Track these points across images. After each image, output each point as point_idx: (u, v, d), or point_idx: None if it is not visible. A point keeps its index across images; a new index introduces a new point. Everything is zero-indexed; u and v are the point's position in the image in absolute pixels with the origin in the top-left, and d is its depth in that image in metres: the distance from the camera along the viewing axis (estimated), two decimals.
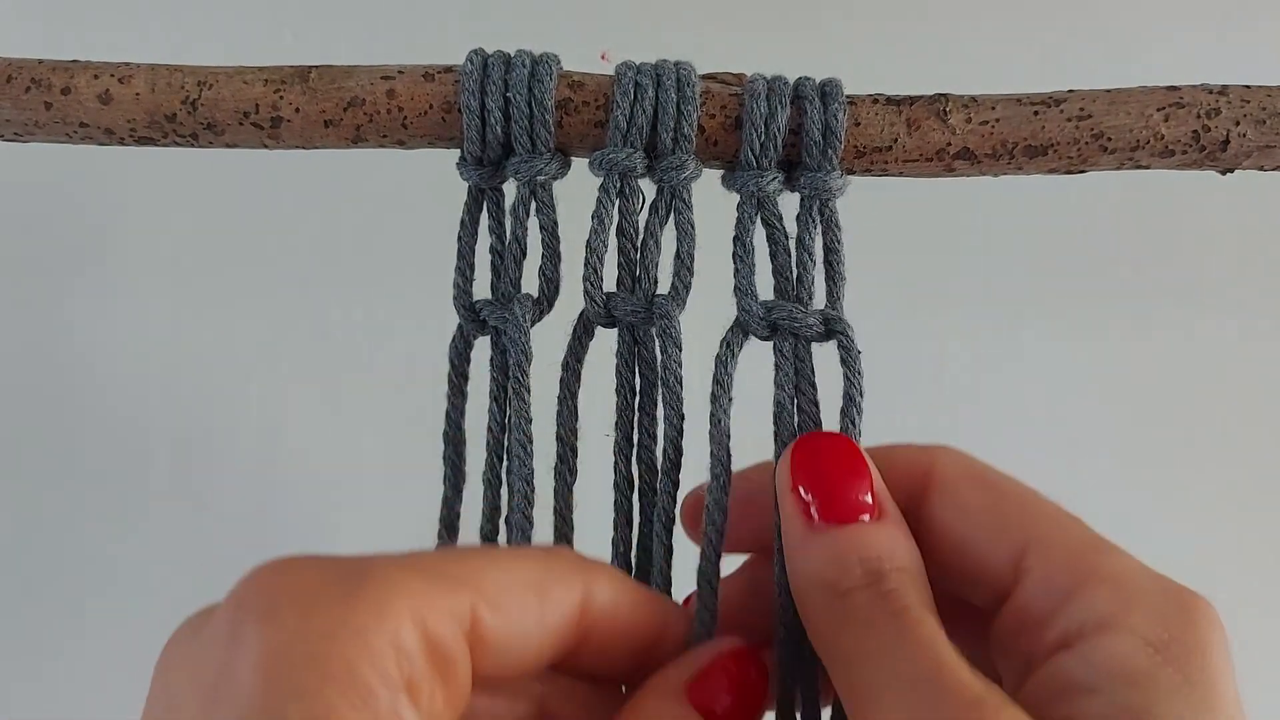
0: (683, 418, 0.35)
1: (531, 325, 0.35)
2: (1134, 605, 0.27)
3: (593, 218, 0.36)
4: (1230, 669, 0.26)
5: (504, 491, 0.36)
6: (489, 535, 0.36)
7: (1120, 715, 0.25)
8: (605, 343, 0.37)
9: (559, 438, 0.35)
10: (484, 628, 0.25)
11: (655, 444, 0.36)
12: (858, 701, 0.26)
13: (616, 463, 0.35)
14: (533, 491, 0.34)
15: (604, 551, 0.34)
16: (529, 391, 0.34)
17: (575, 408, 0.35)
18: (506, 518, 0.37)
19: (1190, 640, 0.26)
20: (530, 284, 0.37)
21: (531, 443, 0.34)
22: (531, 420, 0.34)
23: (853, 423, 0.34)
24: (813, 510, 0.29)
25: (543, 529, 0.34)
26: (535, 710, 0.29)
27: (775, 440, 0.36)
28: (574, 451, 0.35)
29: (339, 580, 0.23)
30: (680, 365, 0.35)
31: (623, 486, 0.35)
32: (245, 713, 0.21)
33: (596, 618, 0.28)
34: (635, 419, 0.36)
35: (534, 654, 0.27)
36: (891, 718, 0.25)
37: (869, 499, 0.30)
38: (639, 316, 0.35)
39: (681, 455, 0.35)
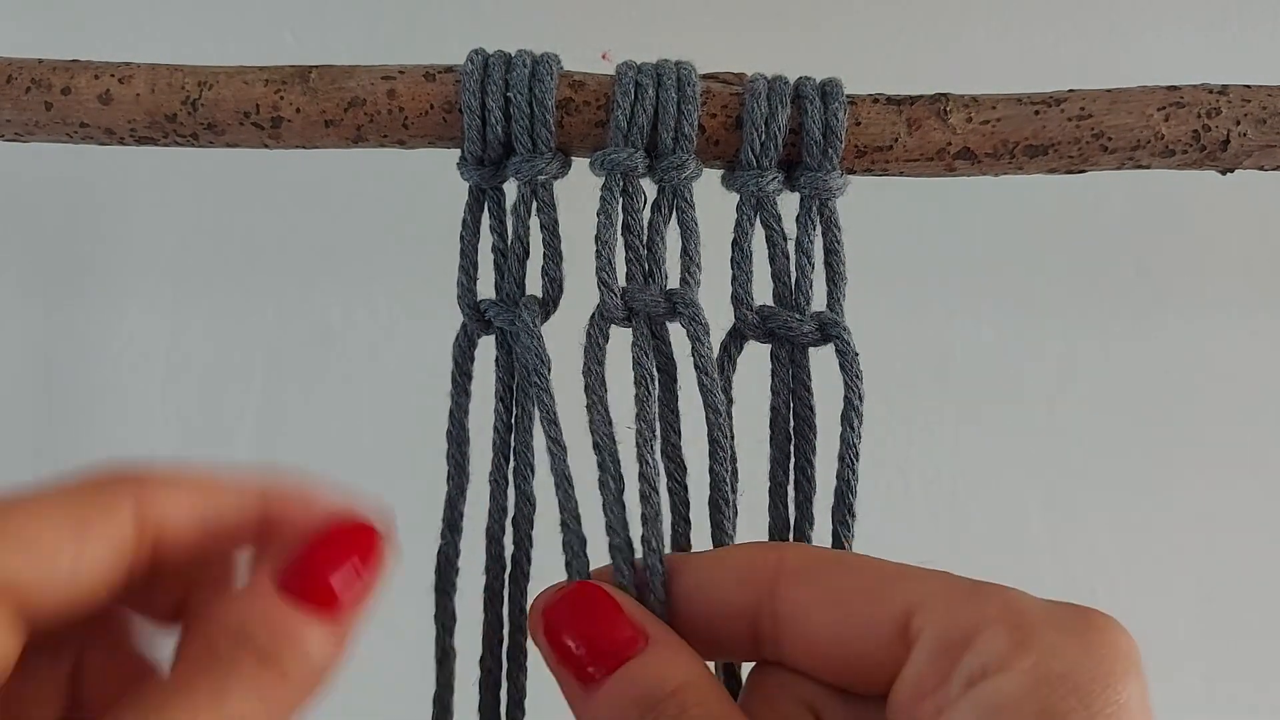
0: (724, 402, 0.34)
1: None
2: (1028, 640, 0.25)
3: (598, 214, 0.35)
4: (1140, 690, 0.25)
5: (510, 492, 0.36)
6: (496, 536, 0.36)
7: None
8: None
9: (596, 445, 0.33)
10: (6, 571, 0.24)
11: (679, 438, 0.35)
12: None
13: (643, 454, 0.34)
14: (572, 490, 0.33)
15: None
16: (551, 396, 0.33)
17: (607, 412, 0.34)
18: (514, 518, 0.36)
19: (1091, 666, 0.25)
20: (532, 283, 0.37)
21: (564, 448, 0.33)
22: (558, 423, 0.33)
23: (851, 427, 0.34)
24: (588, 669, 0.28)
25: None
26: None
27: (771, 444, 0.36)
28: (615, 459, 0.33)
29: None
30: (711, 350, 0.34)
31: (650, 479, 0.34)
32: None
33: (173, 540, 0.26)
34: (658, 413, 0.35)
35: (93, 581, 0.25)
36: None
37: (628, 631, 0.29)
38: (659, 308, 0.35)
39: (729, 439, 0.34)
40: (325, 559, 0.27)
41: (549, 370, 0.34)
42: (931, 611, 0.27)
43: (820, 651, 0.29)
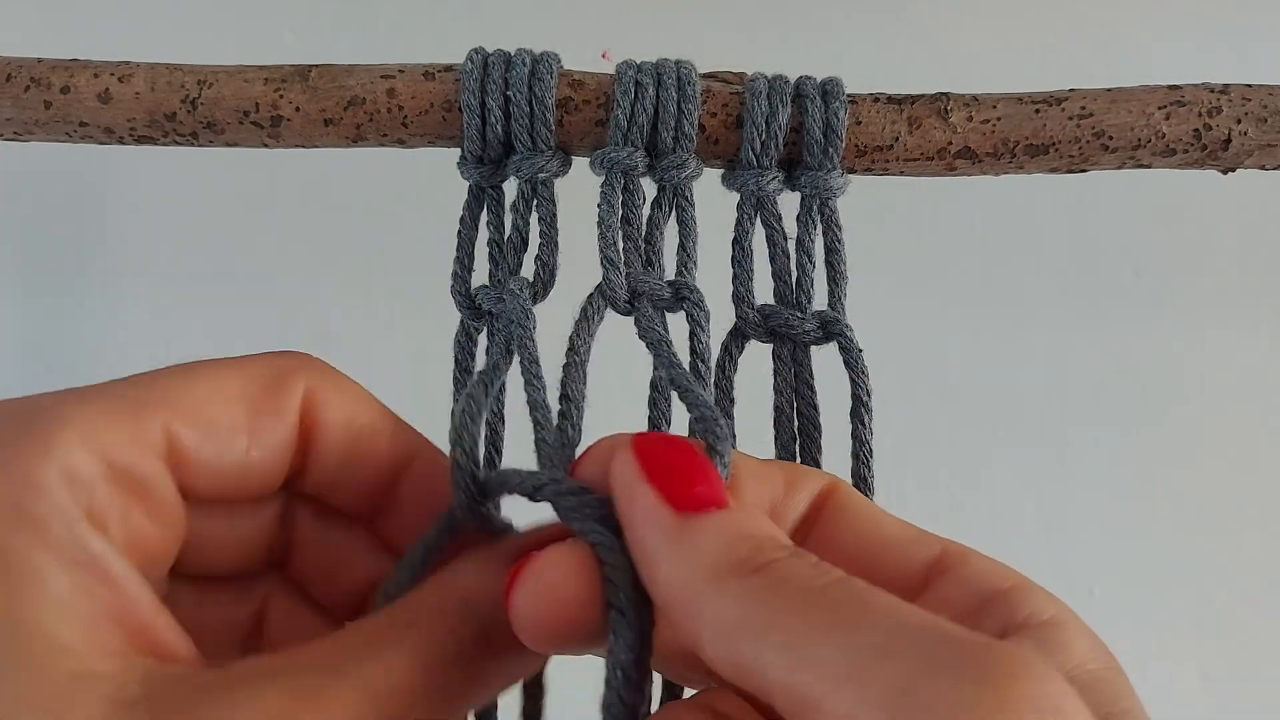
0: (716, 393, 0.34)
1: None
2: (1075, 625, 0.25)
3: (599, 207, 0.35)
4: None
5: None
6: None
7: None
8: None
9: (564, 396, 0.31)
10: (184, 447, 0.24)
11: (669, 428, 0.35)
12: (821, 682, 0.20)
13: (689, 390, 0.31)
14: (549, 416, 0.30)
15: None
16: (534, 344, 0.32)
17: (584, 373, 0.32)
18: None
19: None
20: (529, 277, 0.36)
21: (544, 383, 0.31)
22: (539, 362, 0.31)
23: (862, 423, 0.34)
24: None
25: None
26: (278, 530, 0.28)
27: (775, 443, 0.36)
28: (580, 411, 0.31)
29: (6, 424, 0.23)
30: (710, 337, 0.34)
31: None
32: None
33: (325, 435, 0.26)
34: (652, 399, 0.35)
35: (258, 469, 0.26)
36: (879, 689, 0.20)
37: (721, 489, 0.25)
38: (663, 293, 0.34)
39: None
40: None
41: (534, 326, 0.32)
42: (965, 561, 0.27)
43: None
